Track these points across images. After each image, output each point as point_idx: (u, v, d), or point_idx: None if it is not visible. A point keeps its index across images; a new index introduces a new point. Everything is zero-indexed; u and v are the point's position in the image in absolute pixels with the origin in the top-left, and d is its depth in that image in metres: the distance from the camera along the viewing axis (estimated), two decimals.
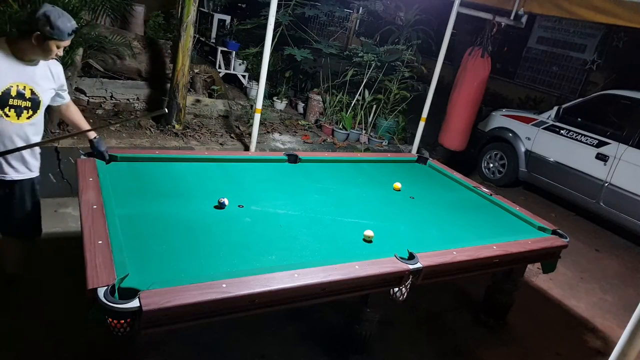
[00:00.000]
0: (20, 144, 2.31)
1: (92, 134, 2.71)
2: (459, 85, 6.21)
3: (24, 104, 2.26)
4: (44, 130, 2.51)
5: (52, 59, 2.28)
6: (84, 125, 2.70)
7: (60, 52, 2.28)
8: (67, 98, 2.60)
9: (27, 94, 2.27)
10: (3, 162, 2.33)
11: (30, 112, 2.31)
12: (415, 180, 3.67)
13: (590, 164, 5.48)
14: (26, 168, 2.43)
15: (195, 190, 2.75)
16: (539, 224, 3.18)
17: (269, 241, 2.35)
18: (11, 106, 2.22)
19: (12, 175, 2.39)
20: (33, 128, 2.36)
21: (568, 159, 5.74)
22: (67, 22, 2.17)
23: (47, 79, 2.37)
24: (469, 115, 6.28)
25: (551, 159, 5.94)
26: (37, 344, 2.47)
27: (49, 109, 2.60)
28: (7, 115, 2.22)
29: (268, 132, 5.88)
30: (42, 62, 2.33)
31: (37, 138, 2.41)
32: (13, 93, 2.21)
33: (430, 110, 5.91)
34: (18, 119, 2.26)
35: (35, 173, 2.50)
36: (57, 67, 2.44)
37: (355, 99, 6.56)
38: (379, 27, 7.20)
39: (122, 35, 5.31)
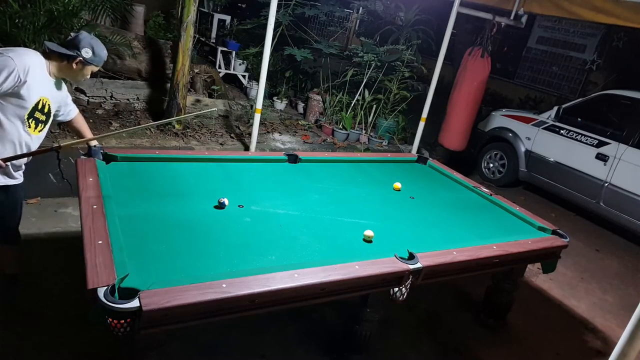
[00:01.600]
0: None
1: (94, 142, 2.80)
2: (459, 85, 6.21)
3: (42, 117, 2.36)
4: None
5: (80, 81, 2.43)
6: (89, 134, 2.78)
7: (88, 76, 2.43)
8: (75, 111, 2.70)
9: (46, 109, 2.37)
10: (10, 167, 2.37)
11: (43, 126, 2.41)
12: (415, 180, 3.67)
13: (590, 164, 5.48)
14: (19, 174, 2.47)
15: (195, 190, 2.75)
16: (539, 224, 3.18)
17: (269, 241, 2.35)
18: (34, 118, 2.31)
19: (7, 181, 2.42)
20: (38, 141, 2.45)
21: (568, 159, 5.74)
22: (103, 50, 2.37)
23: (58, 98, 2.48)
24: (469, 115, 6.28)
25: (551, 159, 5.94)
26: (37, 344, 2.47)
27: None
28: (29, 126, 2.31)
29: (268, 132, 5.88)
30: (61, 81, 2.46)
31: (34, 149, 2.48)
32: (39, 106, 2.31)
33: (430, 110, 5.91)
34: (34, 131, 2.35)
35: (22, 178, 2.53)
36: (66, 91, 2.56)
37: (355, 99, 6.56)
38: (379, 27, 7.20)
39: (122, 35, 5.31)
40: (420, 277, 2.35)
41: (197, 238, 2.25)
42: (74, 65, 2.31)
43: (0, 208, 2.45)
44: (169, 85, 5.20)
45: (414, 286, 2.37)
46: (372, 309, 2.50)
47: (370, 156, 4.31)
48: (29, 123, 2.29)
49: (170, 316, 1.75)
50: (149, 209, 2.42)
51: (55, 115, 2.56)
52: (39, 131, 2.39)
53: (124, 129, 3.02)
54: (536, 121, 6.21)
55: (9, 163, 2.31)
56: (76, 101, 5.00)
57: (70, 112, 2.66)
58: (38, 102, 2.28)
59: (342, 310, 2.85)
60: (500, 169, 6.61)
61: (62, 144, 2.44)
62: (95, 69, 2.41)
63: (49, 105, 2.37)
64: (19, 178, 2.45)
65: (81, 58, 2.29)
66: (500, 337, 3.31)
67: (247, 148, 5.19)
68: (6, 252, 2.66)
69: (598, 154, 5.42)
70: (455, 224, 3.02)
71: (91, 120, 4.81)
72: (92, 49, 2.30)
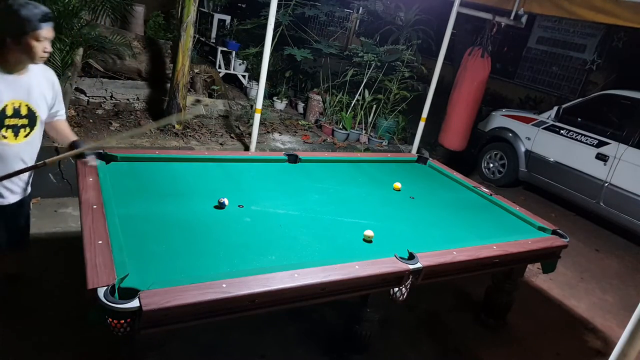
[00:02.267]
0: (19, 165, 2.12)
1: (73, 137, 2.35)
2: (459, 85, 6.21)
3: (20, 122, 2.07)
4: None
5: (42, 58, 2.01)
6: (72, 136, 2.37)
7: (48, 47, 1.99)
8: (63, 115, 2.38)
9: (24, 111, 2.07)
10: (4, 187, 2.16)
11: (28, 129, 2.12)
12: (415, 180, 3.67)
13: (590, 164, 5.48)
14: (22, 188, 2.28)
15: (195, 190, 2.75)
16: (539, 224, 3.18)
17: (269, 241, 2.35)
18: (8, 126, 2.03)
19: (10, 199, 2.22)
20: (30, 147, 2.18)
21: (568, 159, 5.74)
22: (33, 9, 1.91)
23: (42, 90, 2.15)
24: (469, 115, 6.28)
25: (551, 159, 5.94)
26: (37, 344, 2.47)
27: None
28: (4, 137, 2.03)
29: (268, 132, 5.88)
30: (36, 72, 2.11)
31: (34, 157, 2.23)
32: (9, 112, 2.01)
33: (430, 110, 5.91)
34: (16, 138, 2.08)
35: (29, 189, 2.36)
36: (52, 75, 2.22)
37: (355, 99, 6.56)
38: (379, 27, 7.20)
39: (122, 35, 5.31)
40: (420, 277, 2.35)
41: (197, 238, 2.25)
42: (11, 44, 1.93)
43: (5, 219, 2.27)
44: (169, 85, 5.20)
45: (414, 286, 2.37)
46: (372, 309, 2.50)
47: (370, 156, 4.31)
48: (2, 134, 2.01)
49: (170, 316, 1.75)
50: (149, 209, 2.42)
51: (52, 113, 2.27)
52: (25, 136, 2.11)
53: (126, 133, 2.93)
54: (536, 121, 6.21)
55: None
56: (76, 101, 5.01)
57: (61, 112, 2.35)
58: (4, 109, 1.99)
59: (342, 310, 2.85)
60: (500, 169, 6.61)
61: (47, 161, 2.11)
62: (39, 34, 1.93)
63: (26, 106, 2.07)
64: (19, 193, 2.26)
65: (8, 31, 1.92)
66: (500, 337, 3.31)
67: (247, 148, 5.19)
68: (11, 257, 2.56)
69: (598, 154, 5.42)
70: (455, 224, 3.02)
71: (91, 121, 4.81)
72: (9, 14, 1.89)
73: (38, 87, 2.12)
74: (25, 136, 2.12)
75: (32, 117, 2.12)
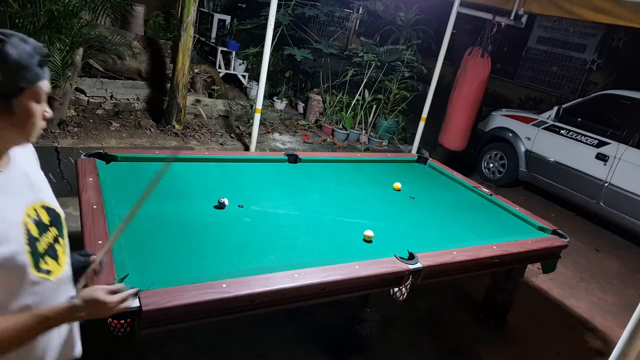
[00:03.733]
0: (61, 300, 1.22)
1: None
2: (459, 85, 6.21)
3: (51, 235, 1.24)
4: None
5: (40, 129, 1.18)
6: None
7: (48, 111, 1.17)
8: None
9: (44, 218, 1.23)
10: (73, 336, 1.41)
11: (60, 239, 1.29)
12: (415, 180, 3.67)
13: (590, 164, 5.48)
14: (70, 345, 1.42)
15: (195, 190, 2.75)
16: (539, 224, 3.18)
17: (269, 241, 2.35)
18: (43, 254, 1.19)
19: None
20: (68, 266, 1.33)
21: (568, 159, 5.74)
22: (23, 45, 1.07)
23: (39, 172, 1.33)
24: (469, 115, 6.28)
25: (551, 159, 5.94)
26: None
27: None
28: (47, 272, 1.19)
29: (268, 132, 5.88)
30: (15, 152, 1.20)
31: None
32: (33, 232, 1.16)
33: (430, 110, 5.91)
34: (59, 263, 1.25)
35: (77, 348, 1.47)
36: (33, 148, 1.36)
37: (355, 99, 6.56)
38: (379, 27, 7.20)
39: (122, 35, 5.31)
40: (420, 277, 2.35)
41: (197, 238, 2.25)
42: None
43: None
44: (169, 85, 5.20)
45: (414, 286, 2.37)
46: (372, 309, 2.50)
47: (370, 156, 4.31)
48: (42, 269, 1.18)
49: (170, 316, 1.75)
50: (149, 209, 2.41)
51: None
52: (64, 252, 1.31)
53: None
54: (536, 121, 6.21)
55: None
56: (76, 101, 5.01)
57: None
58: (28, 230, 1.14)
59: (342, 310, 2.85)
60: (500, 169, 6.61)
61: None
62: (40, 87, 1.11)
63: (43, 207, 1.24)
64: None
65: None
66: (500, 337, 3.31)
67: (247, 148, 5.19)
68: None
69: (598, 154, 5.42)
70: (455, 224, 3.02)
71: (91, 121, 4.81)
72: None
73: (35, 170, 1.31)
74: (65, 252, 1.32)
75: (55, 217, 1.28)
